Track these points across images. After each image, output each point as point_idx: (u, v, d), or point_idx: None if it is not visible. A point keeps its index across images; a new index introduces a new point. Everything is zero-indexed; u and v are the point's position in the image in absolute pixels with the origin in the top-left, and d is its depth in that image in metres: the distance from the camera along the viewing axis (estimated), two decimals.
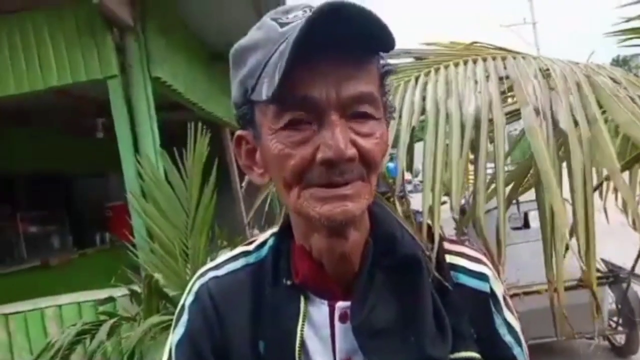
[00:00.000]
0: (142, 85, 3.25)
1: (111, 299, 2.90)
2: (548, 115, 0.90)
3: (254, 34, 0.65)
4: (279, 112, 0.61)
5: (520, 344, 0.73)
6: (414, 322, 0.66)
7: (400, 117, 0.94)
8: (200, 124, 2.92)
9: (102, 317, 2.70)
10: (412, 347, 0.64)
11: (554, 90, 0.97)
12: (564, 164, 0.94)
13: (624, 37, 1.88)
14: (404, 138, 0.90)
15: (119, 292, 3.01)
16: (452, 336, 0.66)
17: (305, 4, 0.64)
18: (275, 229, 0.76)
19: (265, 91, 0.60)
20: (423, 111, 1.02)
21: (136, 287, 2.86)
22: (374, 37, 0.59)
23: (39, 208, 6.70)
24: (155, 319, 2.20)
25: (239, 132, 0.70)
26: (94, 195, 7.60)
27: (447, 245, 0.75)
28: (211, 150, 3.02)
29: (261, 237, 0.78)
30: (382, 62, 0.66)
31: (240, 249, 0.78)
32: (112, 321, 2.48)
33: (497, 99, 0.94)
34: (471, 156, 0.99)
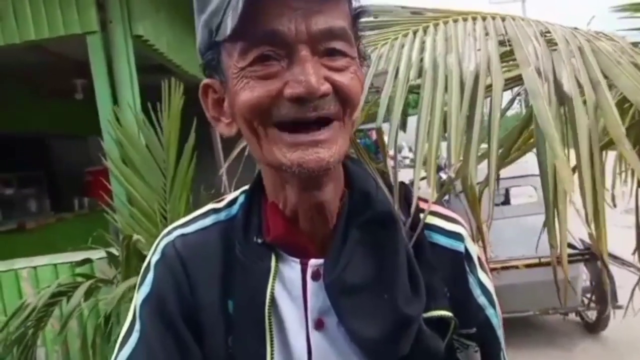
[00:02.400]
0: (123, 43, 3.11)
1: (88, 261, 2.84)
2: (550, 77, 0.86)
3: None
4: (245, 49, 0.57)
5: (493, 305, 0.72)
6: (388, 280, 0.64)
7: (397, 73, 0.90)
8: (174, 80, 2.81)
9: (79, 279, 2.65)
10: (385, 305, 0.62)
11: (556, 51, 0.93)
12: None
13: (623, 13, 1.84)
14: (400, 93, 0.86)
15: (97, 254, 2.95)
16: (426, 295, 0.64)
17: None
18: (246, 187, 0.73)
19: (230, 25, 0.55)
20: (420, 73, 0.98)
21: (114, 250, 2.81)
22: None
23: (15, 170, 6.53)
24: (133, 280, 2.16)
25: (204, 81, 0.65)
26: (73, 158, 7.42)
27: (422, 205, 0.72)
28: (193, 115, 2.92)
29: (231, 195, 0.74)
30: (354, 2, 0.61)
31: (209, 207, 0.74)
32: (89, 283, 2.43)
33: (496, 57, 0.90)
34: None
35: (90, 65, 3.09)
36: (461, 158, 0.82)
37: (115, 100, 3.09)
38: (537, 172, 0.91)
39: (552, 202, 0.78)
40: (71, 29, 3.03)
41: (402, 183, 0.77)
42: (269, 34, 0.55)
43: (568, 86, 0.83)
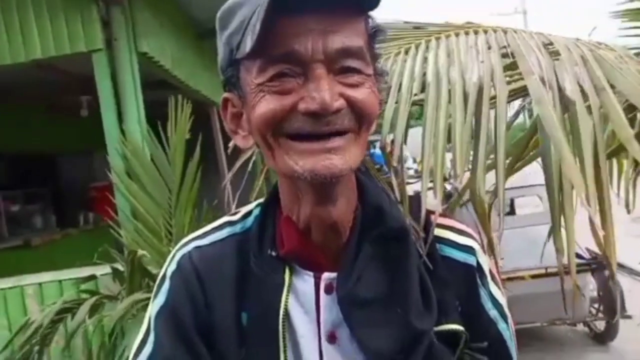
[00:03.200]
0: (127, 60, 3.15)
1: (93, 277, 2.84)
2: (554, 85, 0.86)
3: None
4: (263, 67, 0.58)
5: (505, 319, 0.71)
6: (400, 294, 0.64)
7: (400, 87, 0.90)
8: (181, 97, 2.84)
9: (84, 296, 2.65)
10: (397, 319, 0.63)
11: (559, 60, 0.94)
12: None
13: (624, 19, 1.85)
14: (404, 107, 0.86)
15: (102, 270, 2.96)
16: (437, 309, 0.65)
17: None
18: (261, 200, 0.74)
19: (249, 44, 0.57)
20: (423, 87, 0.99)
21: (119, 266, 2.81)
22: None
23: (21, 187, 6.56)
24: (137, 295, 2.16)
25: (225, 95, 0.67)
26: (78, 174, 7.46)
27: (433, 218, 0.72)
28: (197, 130, 2.95)
29: (246, 208, 0.75)
30: (371, 22, 0.63)
31: (224, 219, 0.75)
32: (93, 299, 2.43)
33: (499, 68, 0.91)
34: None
35: (96, 82, 3.12)
36: (466, 169, 0.82)
37: (120, 115, 3.12)
38: (542, 181, 0.91)
39: (558, 206, 0.78)
40: (77, 47, 3.07)
41: (413, 196, 0.78)
42: (286, 54, 0.57)
43: (571, 90, 0.83)
